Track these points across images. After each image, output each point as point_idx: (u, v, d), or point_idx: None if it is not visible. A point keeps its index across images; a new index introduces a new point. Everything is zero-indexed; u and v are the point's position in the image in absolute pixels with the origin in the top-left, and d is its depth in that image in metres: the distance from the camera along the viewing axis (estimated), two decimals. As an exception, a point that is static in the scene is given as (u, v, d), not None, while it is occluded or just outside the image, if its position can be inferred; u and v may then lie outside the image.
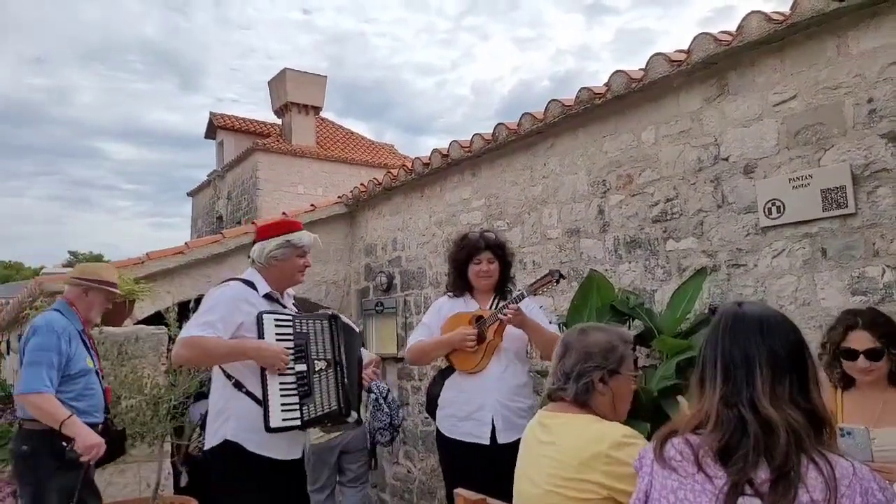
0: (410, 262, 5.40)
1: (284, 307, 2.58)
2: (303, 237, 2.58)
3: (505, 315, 2.71)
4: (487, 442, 2.76)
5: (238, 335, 2.40)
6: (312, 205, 6.27)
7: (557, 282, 2.81)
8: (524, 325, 2.75)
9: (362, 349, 2.72)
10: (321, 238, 6.39)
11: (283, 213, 6.04)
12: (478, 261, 2.91)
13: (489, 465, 2.64)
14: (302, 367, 2.38)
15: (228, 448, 2.37)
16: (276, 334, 2.41)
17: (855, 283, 2.63)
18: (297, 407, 2.35)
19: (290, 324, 2.44)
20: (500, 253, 2.96)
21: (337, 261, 6.16)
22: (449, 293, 3.05)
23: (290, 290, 2.71)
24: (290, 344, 2.40)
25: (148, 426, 3.54)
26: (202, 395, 3.79)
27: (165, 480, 3.75)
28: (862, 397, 2.16)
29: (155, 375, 3.73)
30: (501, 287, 3.00)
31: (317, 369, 2.39)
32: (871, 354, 2.09)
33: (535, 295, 2.83)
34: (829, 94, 2.72)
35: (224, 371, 2.45)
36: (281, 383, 2.34)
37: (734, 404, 1.18)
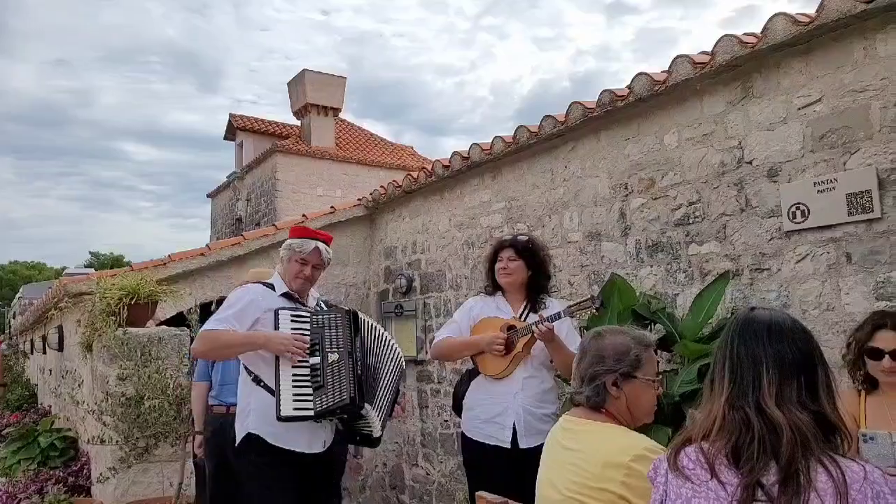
0: (430, 264, 5.41)
1: (304, 305, 2.65)
2: (303, 243, 2.65)
3: (539, 331, 2.73)
4: (508, 445, 2.77)
5: (255, 330, 2.52)
6: (332, 207, 6.31)
7: (598, 309, 2.84)
8: (551, 343, 2.76)
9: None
10: (341, 240, 6.44)
11: (303, 216, 6.09)
12: (500, 258, 2.96)
13: (510, 468, 2.66)
14: (316, 360, 2.45)
15: (252, 441, 2.47)
16: (293, 329, 2.50)
17: (880, 288, 2.59)
18: (311, 398, 2.41)
19: (308, 319, 2.52)
20: (526, 254, 2.96)
21: (356, 263, 6.19)
22: (482, 292, 3.12)
23: (315, 293, 2.78)
24: (307, 338, 2.48)
25: (171, 426, 3.59)
26: None
27: (188, 479, 3.80)
28: (885, 401, 2.14)
29: (177, 376, 3.78)
30: (534, 293, 2.99)
31: (330, 361, 2.44)
32: None
33: (571, 317, 2.85)
34: (856, 96, 2.68)
35: (246, 367, 2.56)
36: (294, 374, 2.42)
37: (740, 406, 1.19)
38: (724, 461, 1.17)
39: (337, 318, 2.54)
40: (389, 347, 2.73)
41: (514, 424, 2.79)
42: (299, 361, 2.44)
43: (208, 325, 2.53)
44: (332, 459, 2.66)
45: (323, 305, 2.76)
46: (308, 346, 2.46)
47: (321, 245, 2.68)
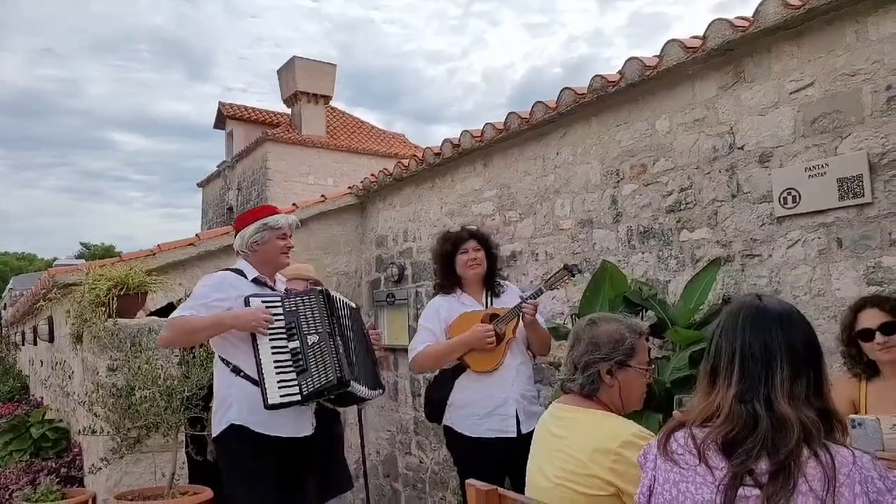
0: (422, 253, 5.40)
1: (274, 290, 2.64)
2: (279, 219, 2.64)
3: (525, 310, 2.71)
4: (514, 434, 2.77)
5: None
6: (323, 195, 6.28)
7: (573, 276, 2.80)
8: (533, 321, 2.76)
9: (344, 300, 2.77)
10: (332, 229, 6.40)
11: (294, 205, 6.05)
12: (464, 250, 2.92)
13: (513, 454, 2.64)
14: (296, 344, 2.43)
15: (234, 432, 2.45)
16: None
17: (871, 273, 2.59)
18: (296, 383, 2.40)
19: (279, 304, 2.50)
20: (486, 244, 2.96)
21: (348, 252, 6.16)
22: (442, 292, 3.02)
23: (282, 277, 2.77)
24: (281, 322, 2.45)
25: (162, 417, 3.58)
26: None
27: (180, 470, 3.79)
28: (886, 387, 2.14)
29: (168, 367, 3.76)
30: (490, 281, 2.99)
31: (310, 343, 2.43)
32: (886, 328, 2.08)
33: (550, 290, 2.83)
34: (847, 80, 2.67)
35: (222, 359, 2.53)
36: (276, 361, 2.41)
37: (749, 400, 1.17)
38: (715, 449, 1.16)
39: (311, 300, 2.52)
40: (352, 315, 2.72)
41: (516, 412, 2.79)
42: (279, 347, 2.43)
43: (176, 313, 2.51)
44: (313, 442, 2.65)
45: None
46: (279, 323, 2.44)
47: (290, 216, 2.72)
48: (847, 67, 2.67)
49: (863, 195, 2.60)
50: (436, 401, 2.98)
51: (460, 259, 2.94)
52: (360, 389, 2.53)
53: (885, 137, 2.55)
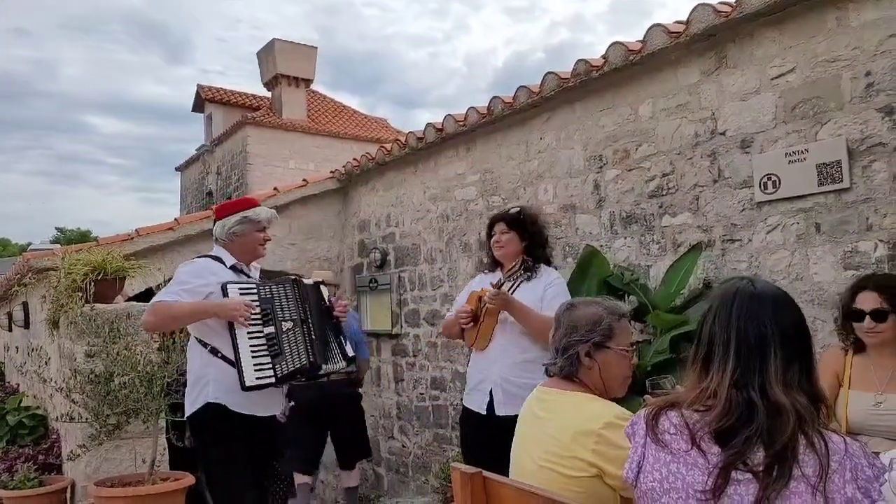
0: (404, 238, 5.37)
1: (249, 277, 2.77)
2: (260, 212, 2.77)
3: (487, 298, 2.78)
4: (484, 412, 2.86)
5: None
6: (304, 180, 6.21)
7: (524, 270, 2.85)
8: (509, 308, 2.79)
9: (322, 288, 2.89)
10: (314, 214, 6.35)
11: (275, 189, 5.98)
12: (493, 232, 3.03)
13: (487, 434, 2.74)
14: (271, 330, 2.58)
15: (211, 410, 2.57)
16: None
17: (848, 258, 2.64)
18: (271, 366, 2.54)
19: (255, 291, 2.63)
20: (518, 226, 2.99)
21: (330, 237, 6.12)
22: (484, 269, 3.20)
23: (256, 264, 2.87)
24: (257, 309, 2.58)
25: (142, 403, 3.54)
26: None
27: (161, 456, 3.76)
28: (871, 362, 2.20)
29: (148, 352, 3.71)
30: (526, 262, 3.00)
31: (285, 329, 2.61)
32: (877, 315, 2.13)
33: (509, 281, 2.85)
34: (828, 66, 2.69)
35: (200, 340, 2.64)
36: (251, 345, 2.54)
37: (744, 386, 1.16)
38: (709, 436, 1.16)
39: (285, 288, 2.68)
40: (317, 295, 2.83)
41: (490, 392, 2.84)
42: (255, 332, 2.55)
43: (158, 297, 2.59)
44: (275, 423, 2.78)
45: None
46: (257, 311, 2.57)
47: (270, 210, 2.83)
48: (827, 53, 2.69)
49: (841, 181, 2.63)
50: None
51: (491, 241, 3.05)
52: (329, 368, 2.76)
53: (864, 123, 2.58)
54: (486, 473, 1.52)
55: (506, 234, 2.97)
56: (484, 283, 3.05)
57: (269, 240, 2.82)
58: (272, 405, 2.70)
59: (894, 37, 2.48)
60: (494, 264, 3.06)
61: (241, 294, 2.59)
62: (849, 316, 2.21)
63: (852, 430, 2.16)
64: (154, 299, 2.60)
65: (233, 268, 2.71)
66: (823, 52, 2.70)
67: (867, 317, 2.14)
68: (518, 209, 3.09)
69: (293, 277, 2.80)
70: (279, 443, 2.87)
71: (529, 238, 2.99)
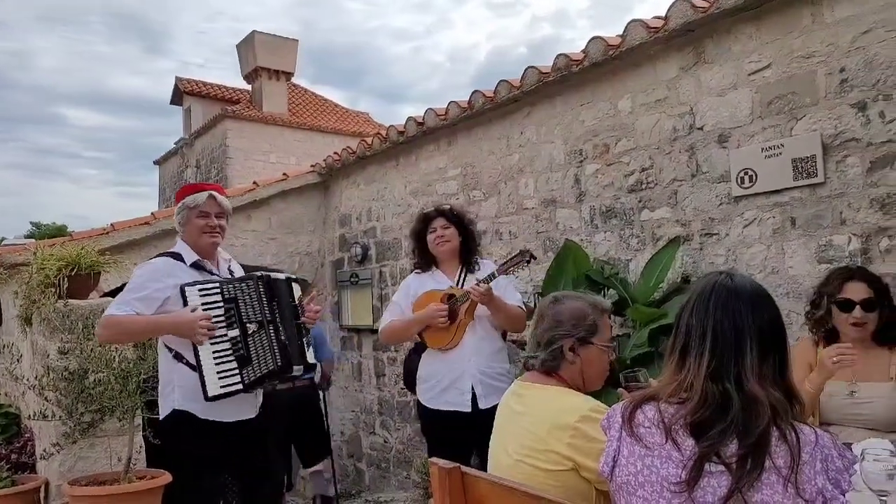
0: (386, 232, 5.35)
1: (212, 274, 2.53)
2: (196, 197, 2.52)
3: (476, 293, 2.75)
4: (469, 409, 2.82)
5: (164, 310, 2.39)
6: (284, 174, 6.15)
7: (528, 262, 2.86)
8: (491, 303, 2.79)
9: (294, 286, 2.62)
10: (294, 208, 6.28)
11: (254, 183, 5.92)
12: (433, 228, 2.97)
13: (472, 431, 2.70)
14: (235, 333, 2.39)
15: (178, 417, 2.43)
16: (203, 304, 2.38)
17: (822, 252, 2.67)
18: (237, 372, 2.36)
19: (219, 291, 2.42)
20: (457, 221, 2.99)
21: (310, 232, 6.07)
22: (416, 270, 3.10)
23: (225, 255, 2.66)
24: (220, 311, 2.39)
25: (117, 400, 3.47)
26: None
27: (137, 454, 3.70)
28: None
29: (123, 349, 3.65)
30: (467, 258, 3.03)
31: (250, 332, 2.41)
32: (867, 305, 2.11)
33: (506, 274, 2.87)
34: (803, 62, 2.72)
35: (165, 344, 2.47)
36: (215, 351, 2.35)
37: (720, 379, 1.17)
38: (683, 428, 1.16)
39: (250, 286, 2.46)
40: (288, 291, 2.58)
41: (472, 388, 2.83)
42: (218, 337, 2.37)
43: (110, 309, 2.40)
44: (264, 425, 2.64)
45: (234, 272, 2.65)
46: (220, 315, 2.38)
47: (214, 194, 2.55)
48: (803, 50, 2.72)
49: (816, 175, 2.67)
50: (408, 370, 3.14)
51: (430, 237, 2.98)
52: (299, 370, 2.52)
53: (838, 119, 2.61)
54: (464, 468, 1.51)
55: (448, 228, 2.95)
56: (423, 283, 2.99)
57: (216, 226, 2.53)
58: (242, 409, 2.50)
59: (868, 33, 2.52)
60: (429, 263, 3.01)
61: (202, 295, 2.39)
62: (829, 304, 2.18)
63: (826, 420, 2.17)
64: (106, 311, 2.42)
65: (194, 265, 2.50)
66: (799, 48, 2.73)
67: (857, 306, 2.11)
68: (449, 205, 3.08)
69: (259, 274, 2.53)
70: (260, 444, 2.66)
71: (465, 233, 3.00)
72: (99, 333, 2.50)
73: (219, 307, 2.39)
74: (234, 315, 2.40)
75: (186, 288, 2.38)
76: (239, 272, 2.66)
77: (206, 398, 2.32)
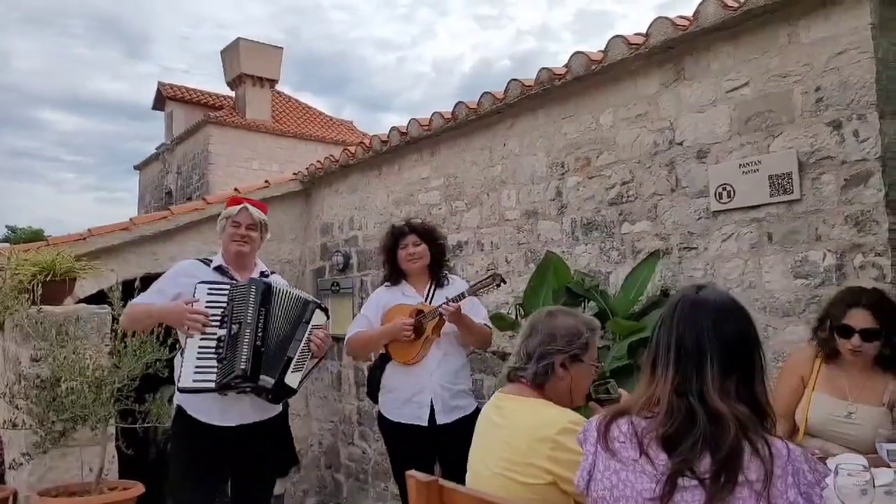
0: (367, 241, 5.33)
1: (232, 279, 2.64)
2: (231, 209, 2.73)
3: (446, 312, 2.78)
4: (426, 424, 2.85)
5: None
6: (266, 181, 6.11)
7: (498, 285, 2.91)
8: (459, 321, 2.83)
9: (318, 312, 2.59)
10: (276, 216, 6.24)
11: (236, 189, 5.87)
12: (403, 244, 3.00)
13: (429, 445, 2.78)
14: (223, 332, 2.46)
15: (177, 411, 2.57)
16: (207, 302, 2.49)
17: (798, 267, 2.72)
18: (214, 370, 2.41)
19: (227, 292, 2.53)
20: (428, 237, 3.03)
21: (292, 240, 6.03)
22: (386, 283, 3.13)
23: (264, 267, 2.77)
24: (219, 310, 2.48)
25: (90, 409, 3.41)
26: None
27: (109, 464, 3.63)
28: (843, 371, 2.18)
29: (98, 357, 3.58)
30: (436, 273, 3.06)
31: (232, 333, 2.45)
32: (866, 334, 2.08)
33: (475, 295, 2.90)
34: (780, 81, 2.77)
35: (179, 340, 2.60)
36: (200, 346, 2.43)
37: (684, 393, 1.18)
38: (656, 442, 1.17)
39: (246, 290, 2.50)
40: (299, 306, 2.58)
41: (431, 402, 2.86)
42: (209, 334, 2.44)
43: (135, 299, 2.67)
44: (257, 436, 2.60)
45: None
46: (208, 316, 2.45)
47: (248, 206, 2.71)
48: (780, 69, 2.77)
49: (792, 192, 2.71)
50: (373, 381, 3.11)
51: (401, 253, 3.01)
52: (267, 381, 2.44)
53: (814, 137, 2.66)
54: (441, 481, 1.50)
55: (419, 245, 2.99)
56: (393, 296, 3.01)
57: (245, 236, 2.65)
58: (227, 413, 2.50)
59: (842, 54, 2.57)
60: (398, 277, 3.03)
61: (210, 293, 2.50)
62: (837, 330, 2.15)
63: (812, 432, 2.16)
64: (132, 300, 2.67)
65: (218, 268, 2.65)
66: (776, 67, 2.78)
67: (856, 334, 2.09)
68: (420, 220, 3.12)
69: (261, 280, 2.55)
70: (250, 452, 2.62)
71: (435, 248, 3.04)
72: (122, 321, 2.74)
73: (219, 307, 2.48)
74: (227, 315, 2.47)
75: (198, 285, 2.52)
76: (280, 285, 2.65)
77: (178, 388, 2.43)
